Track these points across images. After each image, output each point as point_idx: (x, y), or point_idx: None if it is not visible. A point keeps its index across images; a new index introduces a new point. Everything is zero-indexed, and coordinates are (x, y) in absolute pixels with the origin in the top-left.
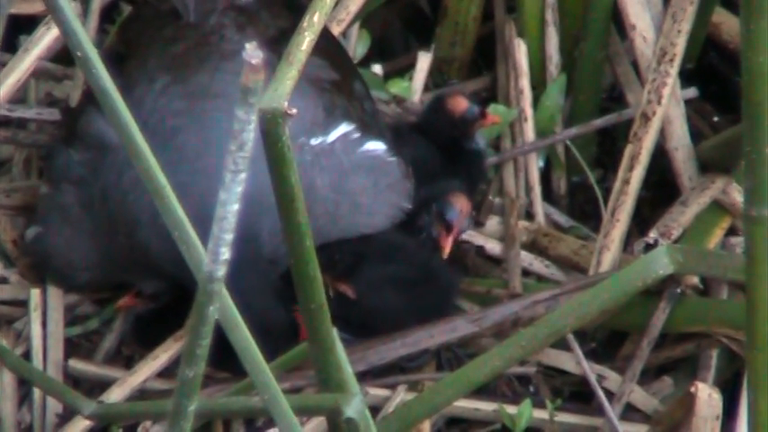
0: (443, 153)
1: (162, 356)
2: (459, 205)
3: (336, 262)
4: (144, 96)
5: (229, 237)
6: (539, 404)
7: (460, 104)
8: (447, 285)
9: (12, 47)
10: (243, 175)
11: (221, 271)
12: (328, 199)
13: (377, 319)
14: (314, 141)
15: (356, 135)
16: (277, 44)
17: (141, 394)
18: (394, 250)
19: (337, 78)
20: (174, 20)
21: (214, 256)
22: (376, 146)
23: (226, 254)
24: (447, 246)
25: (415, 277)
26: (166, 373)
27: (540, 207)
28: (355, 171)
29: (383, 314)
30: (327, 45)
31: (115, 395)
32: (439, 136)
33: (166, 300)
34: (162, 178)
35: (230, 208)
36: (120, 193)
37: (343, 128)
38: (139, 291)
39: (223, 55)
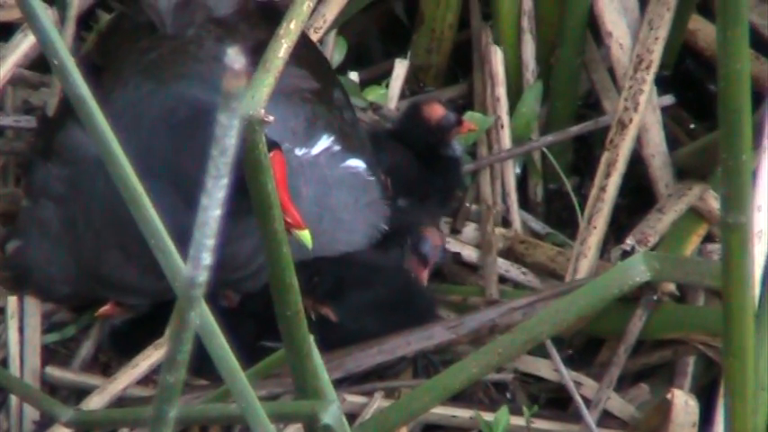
0: (420, 160)
1: (142, 364)
2: (433, 240)
3: (316, 285)
4: (118, 99)
5: (211, 242)
6: (516, 411)
7: (437, 111)
8: (425, 308)
9: None
10: (224, 181)
11: (203, 276)
12: (312, 212)
13: (355, 342)
14: (298, 151)
15: (337, 148)
16: (255, 55)
17: (120, 402)
18: (372, 273)
19: (318, 88)
20: (151, 32)
21: (196, 262)
22: (357, 163)
23: (207, 259)
24: (424, 278)
25: (394, 301)
26: (146, 380)
27: (516, 214)
28: (338, 186)
29: (363, 339)
30: (308, 54)
31: (95, 403)
32: (416, 143)
33: (144, 309)
34: (138, 186)
35: (212, 213)
36: (107, 208)
37: (325, 141)
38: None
39: (197, 57)
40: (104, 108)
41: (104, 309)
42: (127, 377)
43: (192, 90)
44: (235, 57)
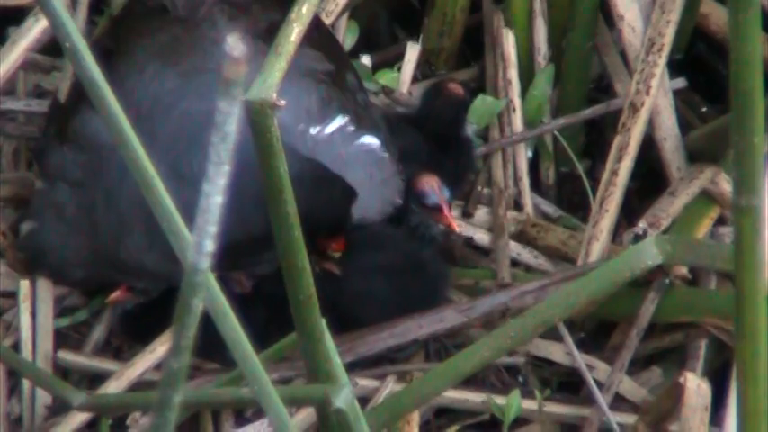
0: (432, 143)
1: (159, 349)
2: (429, 185)
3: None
4: (135, 86)
5: (213, 229)
6: (527, 394)
7: (458, 89)
8: (436, 275)
9: (0, 38)
10: (226, 167)
11: (206, 263)
12: None
13: (364, 306)
14: (312, 131)
15: (351, 128)
16: (269, 36)
17: (136, 387)
18: (383, 239)
19: (332, 70)
20: (162, 15)
21: (198, 248)
22: (371, 140)
23: (210, 246)
24: (451, 221)
25: (404, 266)
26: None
27: (528, 197)
28: (352, 164)
29: (371, 301)
30: (321, 37)
31: (112, 388)
32: (434, 124)
33: (154, 294)
34: (149, 167)
35: (214, 200)
36: (128, 193)
37: (339, 120)
38: (131, 285)
39: (214, 40)
40: (119, 94)
41: (115, 294)
42: (144, 362)
43: (213, 84)
44: (234, 44)
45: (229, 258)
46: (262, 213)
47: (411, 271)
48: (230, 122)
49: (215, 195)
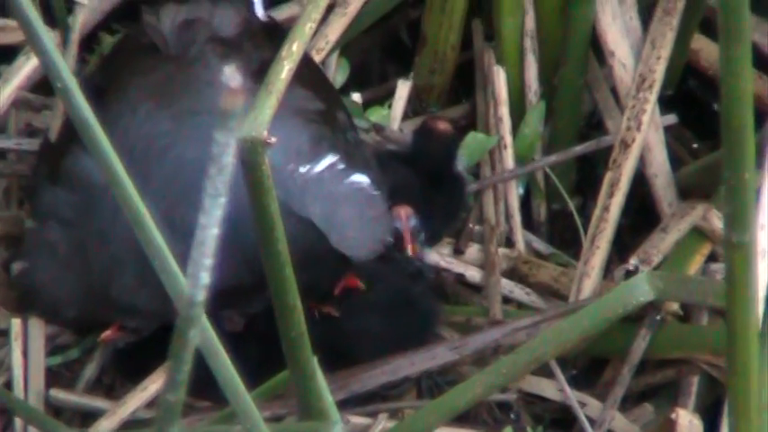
0: (424, 181)
1: (150, 387)
2: (396, 213)
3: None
4: (127, 127)
5: (209, 261)
6: (520, 431)
7: (445, 126)
8: (427, 312)
9: None
10: (222, 200)
11: (201, 296)
12: (320, 229)
13: (356, 343)
14: (302, 169)
15: (342, 166)
16: (260, 75)
17: (128, 425)
18: (374, 277)
19: (322, 108)
20: (154, 53)
21: (194, 281)
22: (361, 178)
23: (206, 278)
24: (409, 247)
25: (395, 302)
26: (154, 403)
27: (519, 234)
28: (343, 202)
29: (362, 337)
30: (311, 75)
31: (104, 427)
32: (426, 163)
33: (148, 332)
34: (141, 206)
35: (210, 232)
36: (120, 233)
37: (329, 158)
38: (123, 324)
39: (207, 81)
40: (111, 134)
41: (107, 333)
42: (136, 400)
43: (209, 129)
44: (231, 75)
45: (221, 299)
46: (254, 256)
47: (401, 307)
48: (227, 154)
49: (211, 227)
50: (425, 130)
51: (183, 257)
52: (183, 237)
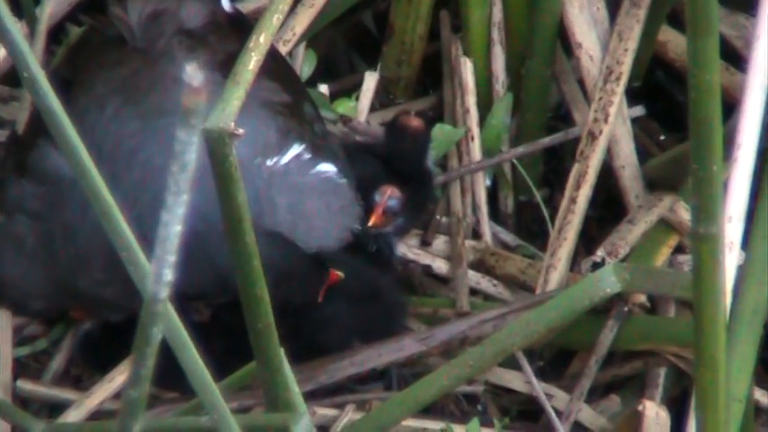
0: (391, 173)
1: (117, 378)
2: (382, 190)
3: None
4: (95, 124)
5: (172, 258)
6: (487, 423)
7: (418, 124)
8: (393, 304)
9: None
10: (185, 197)
11: (165, 292)
12: (286, 221)
13: (323, 333)
14: (269, 162)
15: (308, 156)
16: (227, 68)
17: (95, 416)
18: (342, 267)
19: (289, 101)
20: (121, 45)
21: (157, 278)
22: (327, 167)
23: (169, 275)
24: (375, 219)
25: (361, 293)
26: (122, 394)
27: (486, 226)
28: (310, 193)
29: (329, 327)
30: (277, 67)
31: (71, 417)
32: (400, 156)
33: (115, 319)
34: (109, 197)
35: (173, 229)
36: (89, 227)
37: (296, 149)
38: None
39: (174, 77)
40: (79, 130)
41: (77, 312)
42: (103, 391)
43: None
44: (193, 73)
45: (188, 294)
46: (222, 253)
47: (368, 298)
48: (190, 151)
49: (174, 225)
50: (397, 127)
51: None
52: (153, 242)
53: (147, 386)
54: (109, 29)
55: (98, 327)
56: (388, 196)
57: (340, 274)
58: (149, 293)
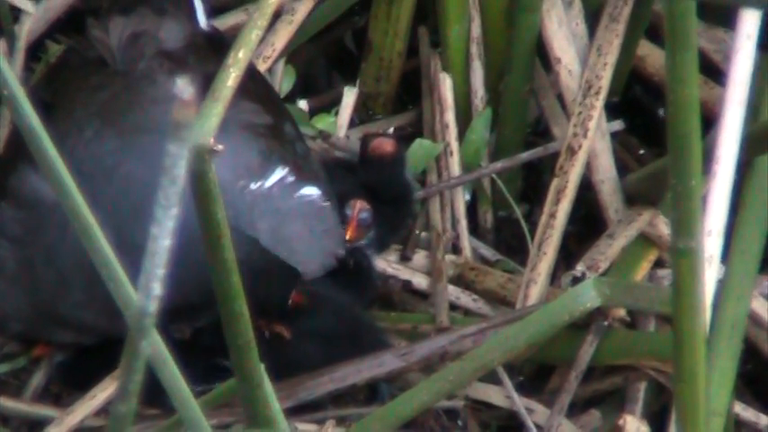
0: (370, 189)
1: (99, 395)
2: (353, 204)
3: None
4: (75, 146)
5: (161, 272)
6: None
7: (386, 146)
8: (374, 343)
9: None
10: (174, 210)
11: (153, 306)
12: (268, 245)
13: (302, 371)
14: (253, 185)
15: (291, 179)
16: (206, 88)
17: None
18: (323, 302)
19: (270, 122)
20: (101, 68)
21: (146, 291)
22: (311, 191)
23: (157, 289)
24: (349, 233)
25: (343, 332)
26: (102, 412)
27: (466, 241)
28: (292, 217)
29: (308, 366)
30: (257, 87)
31: None
32: (376, 174)
33: (90, 342)
34: (89, 217)
35: (162, 243)
36: (69, 249)
37: (279, 172)
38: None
39: (153, 98)
40: (60, 154)
41: (38, 350)
42: (84, 408)
43: (155, 147)
44: (184, 86)
45: (169, 314)
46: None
47: (347, 338)
48: (179, 165)
49: (163, 238)
50: (369, 150)
51: (134, 279)
52: (133, 258)
53: (135, 401)
54: (88, 50)
55: (72, 353)
56: (359, 210)
57: (303, 298)
58: (138, 307)
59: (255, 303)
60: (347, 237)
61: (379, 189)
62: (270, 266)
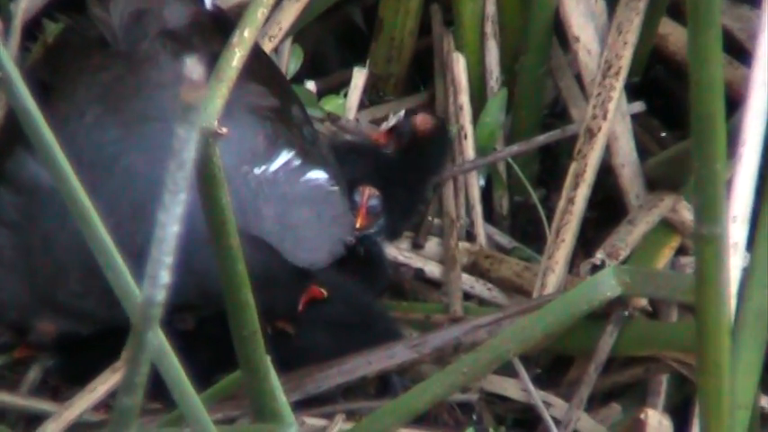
0: (381, 173)
1: (99, 389)
2: (361, 190)
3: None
4: (76, 132)
5: (169, 259)
6: None
7: (427, 122)
8: (386, 332)
9: None
10: (182, 196)
11: (160, 295)
12: (273, 232)
13: (308, 359)
14: (257, 170)
15: (297, 162)
16: (209, 69)
17: (74, 428)
18: (334, 291)
19: (277, 105)
20: (102, 48)
21: (153, 280)
22: (318, 174)
23: (165, 277)
24: (358, 222)
25: (354, 322)
26: (100, 406)
27: (481, 228)
28: (299, 202)
29: (317, 356)
30: (263, 69)
31: (50, 430)
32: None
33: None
34: (87, 203)
35: (170, 230)
36: (67, 237)
37: (285, 155)
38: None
39: (158, 83)
40: (60, 138)
41: (19, 352)
42: (83, 402)
43: (160, 136)
44: (192, 67)
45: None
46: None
47: (358, 327)
48: (188, 149)
49: (171, 225)
50: (417, 126)
51: (134, 273)
52: (131, 258)
53: (141, 394)
54: (89, 29)
55: (64, 349)
56: (368, 196)
57: (323, 291)
58: (145, 296)
59: (264, 310)
60: (357, 225)
61: (423, 169)
62: (279, 273)
